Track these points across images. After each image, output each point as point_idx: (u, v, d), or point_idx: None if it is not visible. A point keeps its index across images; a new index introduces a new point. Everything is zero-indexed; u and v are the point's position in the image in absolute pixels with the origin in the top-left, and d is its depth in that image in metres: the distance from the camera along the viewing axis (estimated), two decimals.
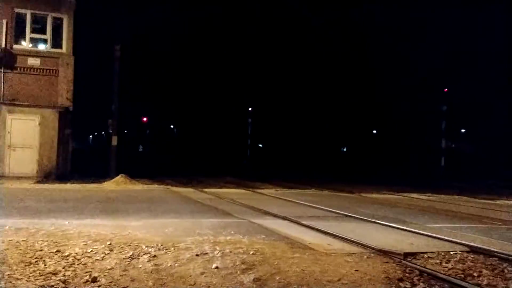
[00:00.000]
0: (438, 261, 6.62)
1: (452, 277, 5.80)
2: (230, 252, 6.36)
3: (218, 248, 6.54)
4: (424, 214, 12.00)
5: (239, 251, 6.42)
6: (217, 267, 5.65)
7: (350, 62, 54.17)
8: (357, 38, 53.80)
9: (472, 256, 6.98)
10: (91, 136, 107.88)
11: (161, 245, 6.59)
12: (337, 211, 11.60)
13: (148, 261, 5.80)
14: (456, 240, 7.96)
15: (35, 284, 4.91)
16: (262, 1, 57.16)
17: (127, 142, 63.15)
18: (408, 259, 6.59)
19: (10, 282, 4.92)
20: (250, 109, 60.61)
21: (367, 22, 53.67)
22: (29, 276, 5.11)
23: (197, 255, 6.16)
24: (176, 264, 5.73)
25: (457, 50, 48.10)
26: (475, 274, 6.05)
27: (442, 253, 7.03)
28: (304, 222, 9.39)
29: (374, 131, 59.13)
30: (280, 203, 13.41)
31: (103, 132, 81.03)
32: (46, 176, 17.59)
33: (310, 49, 57.24)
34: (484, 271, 6.20)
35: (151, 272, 5.44)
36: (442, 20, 50.95)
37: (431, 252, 7.07)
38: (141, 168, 27.28)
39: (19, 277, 5.08)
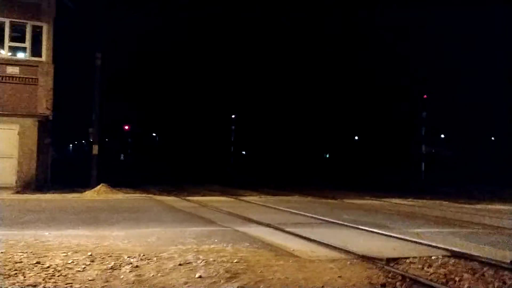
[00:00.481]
0: (420, 266, 6.68)
1: (434, 282, 5.87)
2: (214, 260, 6.33)
3: (201, 257, 6.49)
4: (406, 219, 12.12)
5: (223, 260, 6.38)
6: (200, 276, 5.61)
7: (332, 69, 54.69)
8: (337, 46, 54.36)
9: (453, 260, 7.06)
10: (71, 145, 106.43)
11: (143, 255, 6.52)
12: (321, 217, 11.64)
13: (130, 272, 5.73)
14: (438, 245, 8.06)
15: None
16: (244, 8, 57.42)
17: (108, 151, 62.45)
18: (391, 264, 6.64)
19: None
20: (233, 116, 60.65)
21: (349, 29, 54.31)
22: None
23: (180, 264, 6.11)
24: (158, 274, 5.67)
25: (437, 56, 49.05)
26: (457, 279, 6.12)
27: (424, 258, 7.10)
28: (288, 229, 9.40)
29: (356, 137, 59.69)
30: (264, 210, 13.40)
31: (83, 141, 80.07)
32: (25, 186, 17.26)
33: (292, 56, 57.66)
34: (465, 275, 6.28)
35: (133, 282, 5.37)
36: (422, 25, 51.91)
37: (413, 257, 7.14)
38: (123, 177, 26.98)
39: None
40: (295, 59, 57.04)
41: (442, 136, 51.85)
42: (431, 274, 6.31)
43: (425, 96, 36.30)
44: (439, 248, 7.86)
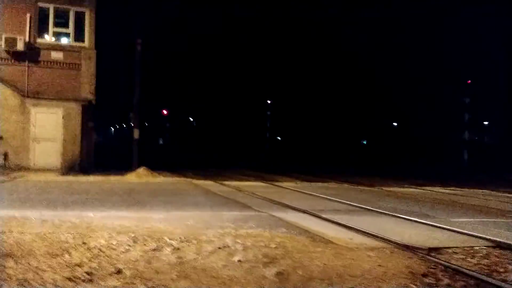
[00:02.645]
0: (462, 256, 6.51)
1: (478, 273, 5.71)
2: (252, 245, 6.37)
3: (239, 241, 6.55)
4: (447, 208, 11.82)
5: (261, 245, 6.42)
6: (239, 260, 5.67)
7: (370, 54, 53.53)
8: (381, 31, 53.05)
9: (497, 251, 6.85)
10: (112, 129, 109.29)
11: (184, 238, 6.64)
12: (358, 204, 11.52)
13: (171, 254, 5.86)
14: (481, 235, 7.82)
15: (61, 275, 4.98)
16: None
17: (147, 135, 63.80)
18: (432, 254, 6.50)
19: (37, 273, 5.01)
20: (269, 102, 60.53)
21: (390, 16, 52.80)
22: (55, 268, 5.19)
23: (219, 248, 6.19)
24: (199, 257, 5.77)
25: (480, 41, 47.04)
26: (501, 270, 5.93)
27: (467, 248, 6.91)
28: (325, 216, 9.35)
29: (395, 124, 58.41)
30: (299, 196, 13.38)
31: (124, 125, 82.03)
32: (69, 168, 17.91)
33: (330, 41, 56.71)
34: (510, 266, 6.08)
35: (175, 264, 5.48)
36: (467, 12, 49.80)
37: (456, 247, 6.96)
38: (161, 160, 27.55)
39: (46, 268, 5.17)
40: (333, 44, 56.11)
41: (486, 123, 50.00)
42: (474, 264, 6.14)
43: (468, 81, 34.99)
44: (482, 238, 7.63)
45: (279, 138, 67.31)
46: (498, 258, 6.50)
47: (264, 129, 62.27)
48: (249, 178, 19.26)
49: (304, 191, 14.59)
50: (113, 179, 16.16)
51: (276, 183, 17.22)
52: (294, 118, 62.19)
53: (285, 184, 17.18)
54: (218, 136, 67.41)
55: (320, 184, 17.92)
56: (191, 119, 79.90)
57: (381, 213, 10.34)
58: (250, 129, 65.32)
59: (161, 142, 71.60)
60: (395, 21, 52.48)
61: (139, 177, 16.64)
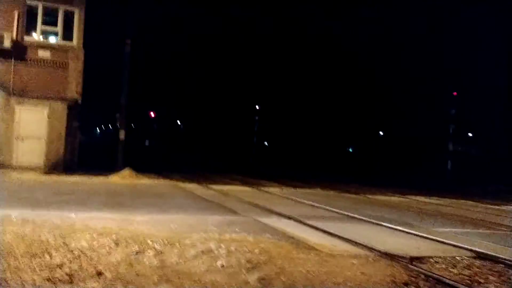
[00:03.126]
0: (444, 266, 6.57)
1: (459, 283, 5.76)
2: (235, 250, 6.35)
3: (223, 245, 6.52)
4: (431, 218, 11.93)
5: (244, 250, 6.40)
6: (222, 265, 5.64)
7: (358, 62, 53.98)
8: (365, 38, 53.57)
9: (478, 262, 6.93)
10: (98, 129, 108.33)
11: (167, 241, 6.59)
12: (343, 212, 11.56)
13: (153, 257, 5.80)
14: (463, 245, 7.91)
15: (40, 276, 4.91)
16: (271, 1, 57.12)
17: (134, 136, 63.33)
18: (414, 263, 6.55)
19: (16, 273, 4.93)
20: (257, 106, 60.57)
21: (375, 23, 53.39)
22: (35, 268, 5.12)
23: (202, 252, 6.15)
24: (181, 260, 5.73)
25: (467, 52, 47.78)
26: (482, 280, 6.00)
27: (449, 258, 6.98)
28: (309, 222, 9.36)
29: (381, 133, 58.89)
30: (285, 202, 13.39)
31: (110, 126, 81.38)
32: (53, 167, 17.67)
33: (317, 48, 57.07)
34: (491, 277, 6.15)
35: (157, 267, 5.44)
36: (454, 21, 50.56)
37: (438, 256, 7.03)
38: (147, 162, 27.36)
39: (25, 268, 5.09)
40: (321, 51, 56.49)
41: (470, 134, 50.69)
42: (455, 274, 6.20)
43: (454, 93, 35.48)
44: (464, 248, 7.72)
45: (266, 143, 67.37)
46: (479, 268, 6.57)
47: (252, 134, 62.25)
48: (236, 182, 19.22)
49: (290, 197, 14.61)
50: (97, 179, 15.99)
51: (262, 188, 17.20)
52: (281, 124, 62.33)
53: (271, 189, 17.17)
54: (205, 139, 67.24)
55: (306, 190, 17.95)
56: (179, 122, 79.58)
57: (365, 221, 10.39)
58: (238, 133, 65.27)
59: (147, 143, 71.14)
60: (385, 27, 53.09)
61: (124, 178, 16.49)
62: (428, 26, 50.07)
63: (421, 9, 50.23)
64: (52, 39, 19.06)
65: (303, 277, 5.45)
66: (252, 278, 5.29)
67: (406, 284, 5.53)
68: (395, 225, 9.78)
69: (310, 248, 7.00)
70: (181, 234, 7.19)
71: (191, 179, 18.82)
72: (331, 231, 8.47)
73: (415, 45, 50.39)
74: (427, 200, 17.14)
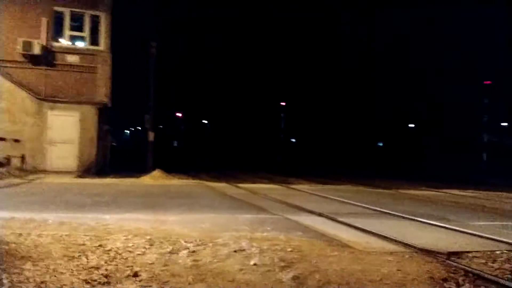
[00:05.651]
0: (483, 261, 6.37)
1: (499, 278, 5.57)
2: (268, 249, 6.31)
3: (255, 244, 6.49)
4: (466, 211, 11.62)
5: (277, 248, 6.36)
6: (255, 264, 5.61)
7: (387, 56, 53.08)
8: (396, 31, 52.55)
9: None
10: (128, 132, 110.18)
11: (199, 241, 6.61)
12: (374, 207, 11.38)
13: (187, 257, 5.83)
14: (502, 239, 7.65)
15: (78, 278, 4.99)
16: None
17: (162, 137, 64.14)
18: (452, 258, 6.36)
19: (55, 276, 5.02)
20: (283, 104, 60.40)
21: (402, 16, 52.33)
22: (73, 270, 5.20)
23: (235, 251, 6.14)
24: (214, 260, 5.74)
25: (500, 42, 46.29)
26: None
27: (488, 252, 6.76)
28: (341, 219, 9.24)
29: (412, 125, 57.77)
30: (314, 199, 13.28)
31: (139, 127, 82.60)
32: (85, 171, 18.07)
33: (345, 43, 56.43)
34: None
35: (191, 267, 5.46)
36: (483, 11, 49.09)
37: (476, 251, 6.81)
38: (176, 163, 27.65)
39: (63, 271, 5.18)
40: (348, 45, 55.82)
41: (505, 124, 49.15)
42: (495, 269, 6.00)
43: (487, 82, 34.44)
44: (503, 242, 7.46)
45: (293, 140, 67.10)
46: None
47: (278, 131, 62.12)
48: (264, 181, 19.20)
49: (319, 194, 14.48)
50: (129, 181, 16.25)
51: (291, 186, 17.13)
52: (308, 120, 61.95)
53: (300, 186, 17.08)
54: (232, 138, 67.49)
55: (335, 186, 17.78)
56: (205, 122, 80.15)
57: (398, 216, 10.19)
58: (264, 131, 65.24)
59: (175, 144, 71.94)
60: (413, 21, 52.01)
61: (154, 179, 16.71)
62: (464, 13, 48.68)
63: None
64: (80, 44, 19.47)
65: (337, 275, 5.36)
66: (286, 276, 5.25)
67: (445, 280, 5.38)
68: (429, 219, 9.55)
69: (343, 245, 6.90)
70: (213, 234, 7.21)
71: (219, 179, 18.91)
72: (364, 227, 8.33)
73: (446, 34, 49.18)
74: (462, 193, 16.71)
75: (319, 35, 58.63)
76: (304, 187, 16.96)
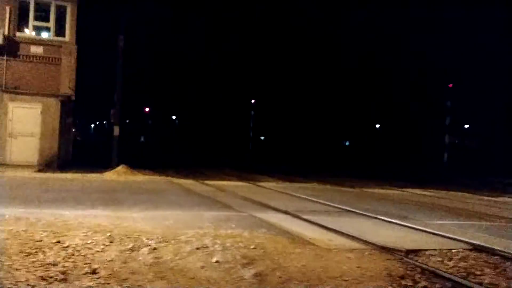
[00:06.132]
0: (440, 259, 6.57)
1: (454, 275, 5.75)
2: (231, 246, 6.31)
3: (218, 241, 6.48)
4: (427, 210, 11.95)
5: (240, 245, 6.37)
6: (217, 261, 5.60)
7: (354, 56, 53.90)
8: (361, 32, 53.47)
9: (474, 254, 6.92)
10: (93, 126, 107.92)
11: (162, 238, 6.54)
12: (339, 206, 11.55)
13: (148, 254, 5.76)
14: (459, 238, 7.90)
15: (34, 274, 4.86)
16: None
17: (129, 132, 63.09)
18: (410, 256, 6.54)
19: (9, 272, 4.88)
20: (252, 101, 60.51)
21: (370, 18, 53.32)
22: (29, 267, 5.07)
23: (197, 248, 6.11)
24: (176, 257, 5.69)
25: (462, 45, 47.79)
26: (478, 273, 5.99)
27: (444, 251, 6.97)
28: (305, 217, 9.34)
29: (377, 125, 58.93)
30: (281, 196, 13.37)
31: (105, 122, 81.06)
32: (47, 165, 17.57)
33: (313, 42, 56.94)
34: (487, 269, 6.15)
35: (151, 265, 5.40)
36: (448, 15, 50.53)
37: (433, 249, 7.02)
38: (142, 158, 27.27)
39: (18, 267, 5.04)
40: (316, 45, 56.38)
41: (466, 126, 50.81)
42: (451, 267, 6.19)
43: (450, 85, 35.52)
44: (460, 241, 7.71)
45: (262, 137, 67.32)
46: (475, 261, 6.56)
47: (248, 129, 62.19)
48: (231, 178, 19.18)
49: (286, 192, 14.59)
50: (92, 176, 15.91)
51: (258, 183, 17.18)
52: (277, 118, 62.26)
53: (267, 184, 17.15)
54: (201, 135, 67.11)
55: (302, 184, 17.94)
56: (174, 117, 79.38)
57: (360, 214, 10.38)
58: (234, 128, 65.18)
59: (142, 139, 70.95)
60: (382, 22, 53.01)
61: (118, 175, 16.41)
62: (422, 17, 50.02)
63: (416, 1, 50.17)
64: (45, 35, 18.91)
65: (299, 272, 5.42)
66: (248, 274, 5.26)
67: (402, 277, 5.52)
68: (391, 218, 9.77)
69: (306, 242, 6.97)
70: (176, 231, 7.15)
71: (186, 175, 18.77)
72: (327, 225, 8.45)
73: (410, 37, 50.36)
74: (423, 192, 17.17)
75: (289, 33, 58.97)
76: (272, 184, 17.04)
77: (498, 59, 45.57)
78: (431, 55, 47.93)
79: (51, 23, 18.63)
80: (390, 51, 50.89)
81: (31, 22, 18.49)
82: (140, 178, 16.51)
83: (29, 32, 18.59)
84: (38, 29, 18.87)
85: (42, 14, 18.78)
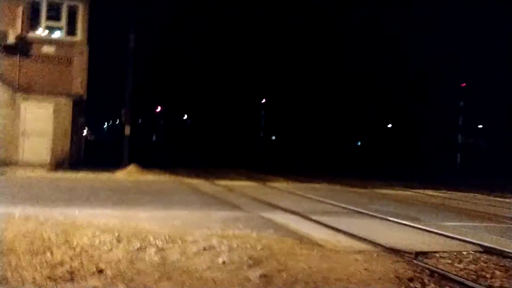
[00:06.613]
0: (450, 261, 6.48)
1: (464, 278, 5.67)
2: (238, 246, 6.29)
3: (225, 242, 6.47)
4: (438, 212, 11.81)
5: (247, 246, 6.34)
6: (223, 262, 5.59)
7: (368, 55, 53.51)
8: (375, 32, 53.06)
9: (485, 256, 6.82)
10: (105, 125, 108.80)
11: (169, 238, 6.54)
12: (349, 207, 11.47)
13: (155, 254, 5.76)
14: (469, 240, 7.79)
15: (41, 274, 4.89)
16: None
17: (141, 132, 63.51)
18: (419, 258, 6.46)
19: (17, 271, 4.91)
20: (263, 101, 60.45)
21: (382, 16, 52.91)
22: (36, 266, 5.10)
23: (204, 248, 6.10)
24: (182, 258, 5.69)
25: (476, 44, 47.19)
26: (488, 276, 5.90)
27: (455, 253, 6.88)
28: (314, 218, 9.29)
29: (389, 125, 58.49)
30: (291, 197, 13.32)
31: (117, 121, 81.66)
32: (59, 164, 17.72)
33: (325, 41, 56.71)
34: (497, 272, 6.05)
35: (158, 265, 5.40)
36: (461, 15, 49.96)
37: (443, 251, 6.93)
38: (154, 158, 27.41)
39: (26, 267, 5.07)
40: (328, 44, 56.15)
41: (480, 126, 50.19)
42: (461, 270, 6.11)
43: (463, 84, 35.10)
44: (470, 243, 7.60)
45: (273, 137, 67.25)
46: (485, 263, 6.47)
47: (259, 128, 62.17)
48: (241, 178, 19.16)
49: (295, 192, 14.54)
50: (102, 176, 16.02)
51: (268, 183, 17.14)
52: (288, 118, 62.10)
53: (277, 184, 17.10)
54: (212, 134, 67.25)
55: (312, 185, 17.85)
56: (186, 117, 79.68)
57: (371, 215, 10.29)
58: (245, 128, 65.20)
59: (154, 139, 71.36)
60: (392, 21, 52.59)
61: (129, 174, 16.50)
62: (435, 15, 49.49)
63: None
64: (57, 34, 19.06)
65: (305, 273, 5.38)
66: (254, 275, 5.24)
67: (410, 279, 5.45)
68: (401, 219, 9.67)
69: (313, 244, 6.92)
70: (183, 231, 7.15)
71: (197, 175, 18.78)
72: (336, 226, 8.39)
73: (423, 36, 49.87)
74: (435, 193, 16.98)
75: (301, 33, 58.80)
76: (282, 185, 16.99)
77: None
78: (444, 54, 47.42)
79: (63, 23, 18.77)
80: (402, 50, 50.46)
81: (43, 21, 18.64)
82: (150, 177, 16.58)
83: (41, 32, 18.75)
84: (50, 29, 19.03)
85: (54, 13, 18.92)
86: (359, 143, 63.13)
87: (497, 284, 5.61)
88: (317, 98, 58.52)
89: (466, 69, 43.54)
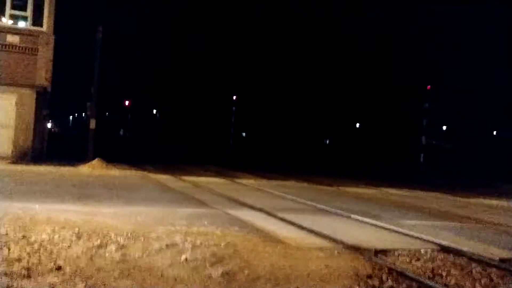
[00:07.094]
0: (408, 259, 6.65)
1: (421, 276, 5.83)
2: (201, 244, 6.28)
3: (189, 239, 6.44)
4: (400, 210, 12.09)
5: (210, 243, 6.34)
6: (186, 259, 5.57)
7: (337, 55, 54.19)
8: (345, 32, 53.79)
9: (442, 255, 7.02)
10: (71, 118, 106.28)
11: (131, 234, 6.47)
12: (314, 204, 11.61)
13: (116, 251, 5.69)
14: (428, 238, 8.00)
15: None
16: None
17: (107, 126, 62.31)
18: (379, 256, 6.60)
19: None
20: (234, 97, 60.35)
21: (354, 18, 53.68)
22: None
23: (167, 245, 6.06)
24: (144, 255, 5.63)
25: (441, 47, 48.52)
26: (443, 274, 6.08)
27: (413, 251, 7.05)
28: (280, 215, 9.35)
29: (357, 125, 59.46)
30: (258, 194, 13.37)
31: (83, 114, 79.84)
32: (21, 157, 17.23)
33: (297, 39, 57.06)
34: (453, 270, 6.24)
35: (118, 262, 5.33)
36: (427, 16, 51.22)
37: (402, 249, 7.09)
38: (121, 153, 26.97)
39: None
40: (300, 42, 56.53)
41: (444, 128, 51.65)
42: (418, 268, 6.28)
43: (428, 87, 36.06)
44: (429, 241, 7.81)
45: (243, 134, 67.26)
46: (442, 261, 6.66)
47: (229, 125, 62.04)
48: (210, 174, 19.11)
49: (263, 189, 14.60)
50: (65, 170, 15.66)
51: (236, 180, 17.15)
52: (259, 115, 62.26)
53: (245, 181, 17.13)
54: (182, 129, 66.68)
55: (280, 182, 17.95)
56: (155, 112, 78.67)
57: (334, 213, 10.45)
58: (215, 124, 64.93)
59: (121, 133, 70.13)
60: (362, 22, 53.39)
61: (93, 169, 16.18)
62: (403, 19, 50.58)
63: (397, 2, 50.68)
64: (22, 24, 18.49)
65: (267, 270, 5.42)
66: (216, 272, 5.24)
67: (369, 277, 5.57)
68: (364, 217, 9.86)
69: (277, 241, 6.98)
70: (146, 227, 7.08)
71: (164, 170, 18.61)
72: (301, 223, 8.48)
73: (390, 38, 50.88)
74: (398, 192, 17.37)
75: (271, 29, 58.96)
76: (250, 181, 17.02)
77: (478, 59, 46.38)
78: (410, 56, 48.57)
79: (29, 12, 18.25)
80: (370, 51, 51.36)
81: (8, 10, 18.06)
82: (116, 172, 16.32)
83: (5, 21, 18.15)
84: (15, 18, 18.44)
85: (19, 2, 18.36)
86: (327, 142, 63.93)
87: (453, 282, 5.79)
88: (288, 96, 58.89)
89: (432, 71, 44.72)
